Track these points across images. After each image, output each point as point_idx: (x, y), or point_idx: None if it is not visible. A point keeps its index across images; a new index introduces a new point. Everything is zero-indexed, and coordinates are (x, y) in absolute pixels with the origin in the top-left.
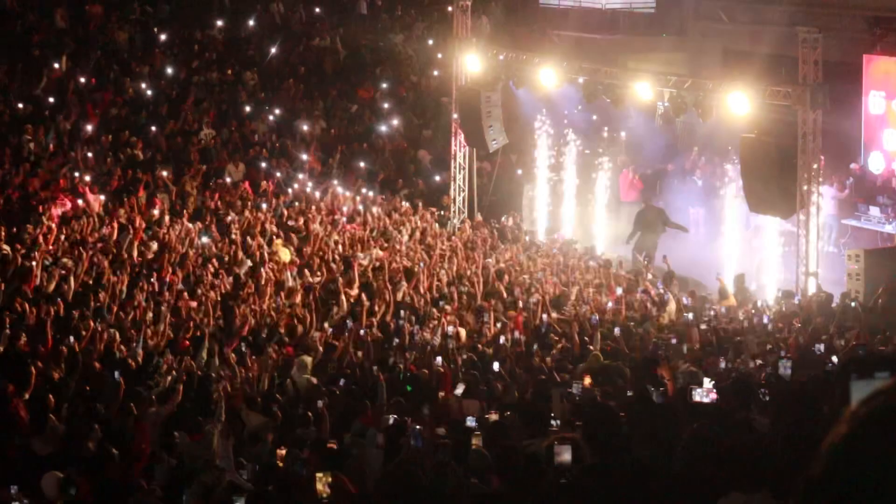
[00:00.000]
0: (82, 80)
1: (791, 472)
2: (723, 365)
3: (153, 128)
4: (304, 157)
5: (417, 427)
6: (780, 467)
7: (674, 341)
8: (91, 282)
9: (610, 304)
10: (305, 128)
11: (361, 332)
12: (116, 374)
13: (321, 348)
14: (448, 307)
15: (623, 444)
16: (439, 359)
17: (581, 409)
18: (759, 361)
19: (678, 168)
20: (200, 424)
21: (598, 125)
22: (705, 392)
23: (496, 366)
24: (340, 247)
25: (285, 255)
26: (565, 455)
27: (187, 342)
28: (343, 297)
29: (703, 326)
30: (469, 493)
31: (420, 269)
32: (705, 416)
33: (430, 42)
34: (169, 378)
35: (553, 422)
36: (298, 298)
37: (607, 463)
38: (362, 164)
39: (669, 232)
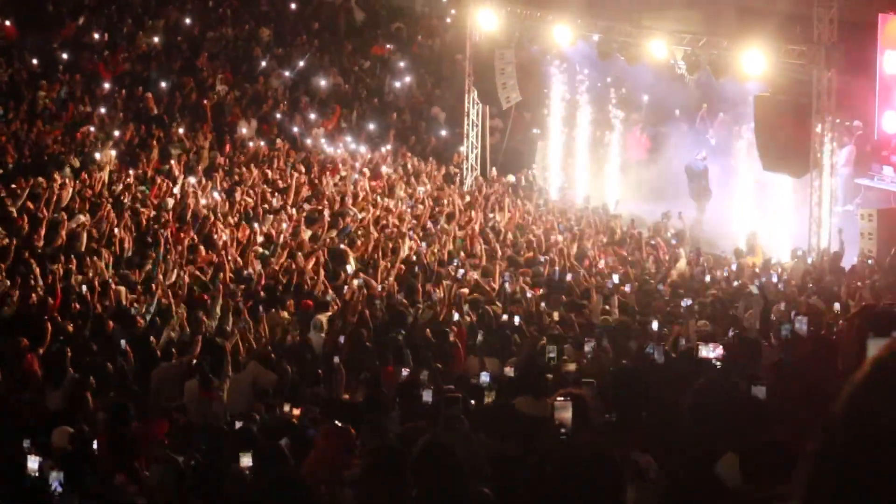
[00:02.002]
0: (96, 35)
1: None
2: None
3: (166, 83)
4: (316, 115)
5: (425, 379)
6: (790, 426)
7: (688, 302)
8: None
9: (602, 263)
10: (323, 84)
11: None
12: (123, 342)
13: (336, 305)
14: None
15: (642, 404)
16: (456, 315)
17: (591, 368)
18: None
19: (691, 127)
20: (211, 381)
21: (614, 84)
22: (712, 348)
23: (517, 319)
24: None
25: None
26: (565, 413)
27: (206, 297)
28: (350, 255)
29: (715, 284)
30: (483, 452)
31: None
32: (712, 371)
33: None
34: (173, 333)
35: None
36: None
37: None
38: (375, 122)
39: (683, 190)
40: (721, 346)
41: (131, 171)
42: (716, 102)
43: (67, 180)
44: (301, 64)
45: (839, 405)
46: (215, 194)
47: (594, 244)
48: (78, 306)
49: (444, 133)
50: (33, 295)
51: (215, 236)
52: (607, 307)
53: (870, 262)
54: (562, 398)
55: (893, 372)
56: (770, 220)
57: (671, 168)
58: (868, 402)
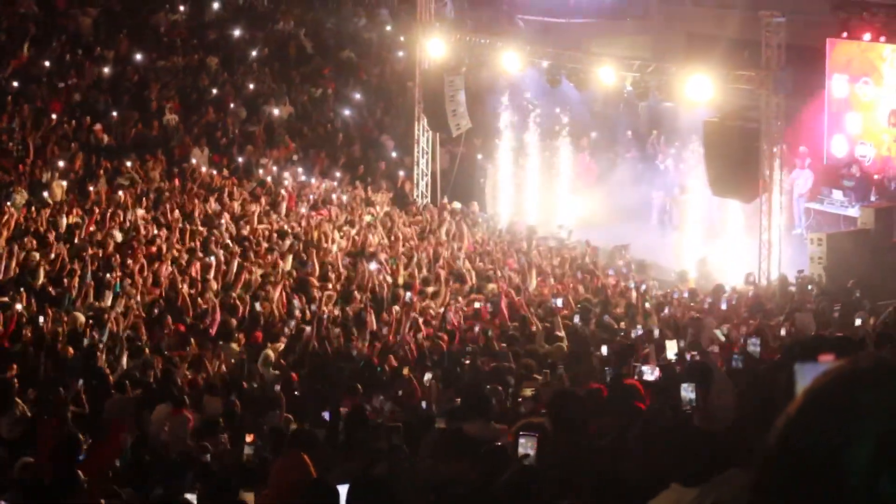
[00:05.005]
0: (46, 65)
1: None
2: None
3: (116, 113)
4: (267, 144)
5: (368, 408)
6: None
7: (639, 330)
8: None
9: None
10: (276, 112)
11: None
12: (80, 382)
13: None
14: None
15: (585, 431)
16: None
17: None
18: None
19: (641, 153)
20: (184, 401)
21: (562, 112)
22: (650, 370)
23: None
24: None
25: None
26: (531, 447)
27: (182, 327)
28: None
29: (666, 311)
30: (427, 477)
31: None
32: (654, 396)
33: (394, 26)
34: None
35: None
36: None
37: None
38: (325, 149)
39: (633, 216)
40: (658, 369)
41: (79, 203)
42: (666, 128)
43: (14, 210)
44: (251, 87)
45: (773, 437)
46: (163, 227)
47: (542, 272)
48: (30, 334)
49: (394, 161)
50: None
51: (164, 268)
52: (558, 333)
53: (809, 287)
54: (525, 431)
55: (827, 403)
56: (725, 244)
57: (621, 194)
58: (802, 434)
